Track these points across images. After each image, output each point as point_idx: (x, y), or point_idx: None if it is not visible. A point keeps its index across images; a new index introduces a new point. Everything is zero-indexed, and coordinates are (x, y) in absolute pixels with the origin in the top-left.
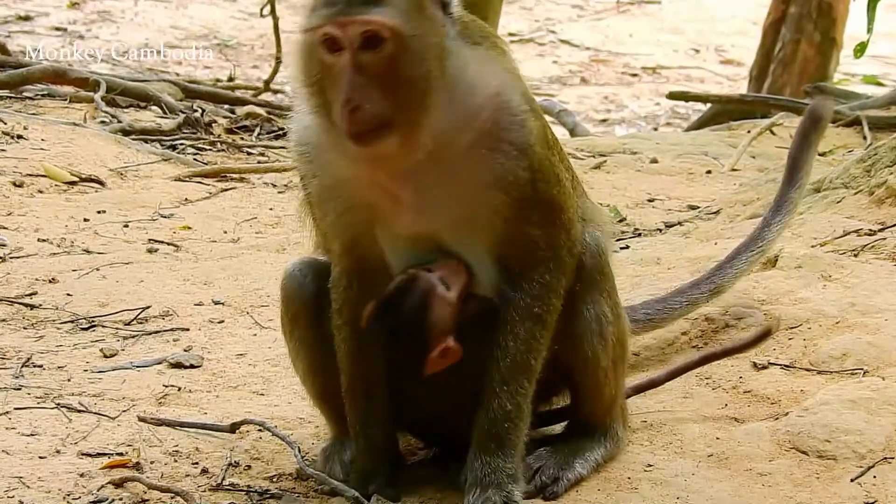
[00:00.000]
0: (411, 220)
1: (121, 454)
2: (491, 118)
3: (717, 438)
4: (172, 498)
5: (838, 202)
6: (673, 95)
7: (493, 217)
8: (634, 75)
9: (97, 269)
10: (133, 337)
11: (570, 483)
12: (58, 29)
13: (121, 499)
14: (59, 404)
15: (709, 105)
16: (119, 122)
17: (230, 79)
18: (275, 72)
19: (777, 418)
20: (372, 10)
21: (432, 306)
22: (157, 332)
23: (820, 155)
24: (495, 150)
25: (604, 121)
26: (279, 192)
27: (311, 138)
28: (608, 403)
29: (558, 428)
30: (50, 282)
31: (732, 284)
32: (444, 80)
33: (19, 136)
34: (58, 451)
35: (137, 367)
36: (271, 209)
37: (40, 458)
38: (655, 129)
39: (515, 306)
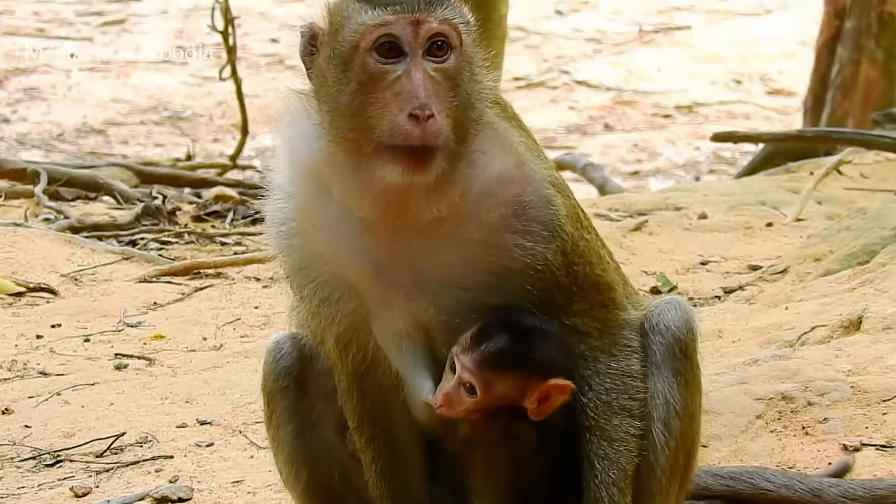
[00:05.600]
0: (407, 307)
1: None
2: (516, 194)
3: None
4: None
5: None
6: (718, 137)
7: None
8: (667, 116)
9: (58, 394)
10: (108, 470)
11: None
12: None
13: None
14: None
15: (761, 146)
16: (66, 217)
17: (188, 156)
18: (241, 144)
19: None
20: (445, 10)
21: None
22: (135, 462)
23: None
24: (519, 233)
25: (635, 173)
26: (264, 287)
27: (285, 207)
28: None
29: None
30: (3, 413)
31: None
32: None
33: None
34: None
35: None
36: (257, 307)
37: None
38: (697, 179)
39: (595, 409)
